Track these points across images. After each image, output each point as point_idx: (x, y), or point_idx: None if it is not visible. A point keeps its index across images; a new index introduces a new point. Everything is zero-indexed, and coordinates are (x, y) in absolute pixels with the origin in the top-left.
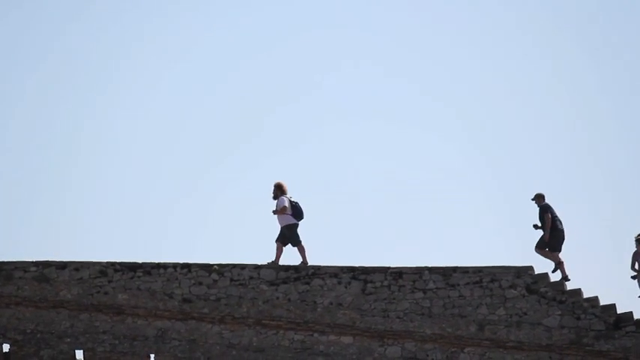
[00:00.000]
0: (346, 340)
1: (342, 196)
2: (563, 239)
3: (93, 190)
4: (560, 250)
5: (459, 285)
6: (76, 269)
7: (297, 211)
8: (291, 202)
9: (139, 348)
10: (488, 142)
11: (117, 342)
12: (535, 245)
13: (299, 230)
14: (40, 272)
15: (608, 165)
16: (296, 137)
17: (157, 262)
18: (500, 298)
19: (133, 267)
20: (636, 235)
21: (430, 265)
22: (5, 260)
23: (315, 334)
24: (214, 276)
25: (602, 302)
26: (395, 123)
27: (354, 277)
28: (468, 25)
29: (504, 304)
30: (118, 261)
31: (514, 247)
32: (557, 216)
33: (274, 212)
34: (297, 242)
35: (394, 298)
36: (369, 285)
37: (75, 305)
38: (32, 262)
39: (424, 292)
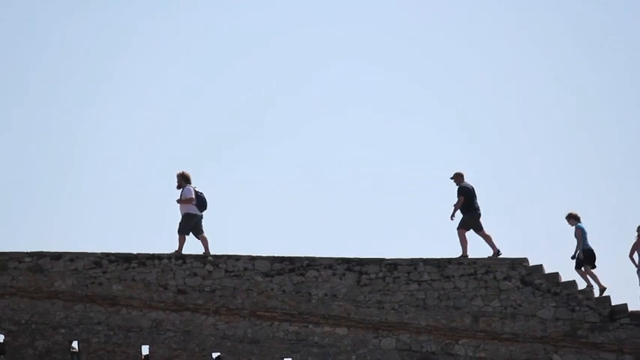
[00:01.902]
0: (341, 331)
1: (337, 187)
2: (479, 216)
3: (88, 181)
4: (482, 228)
5: (453, 277)
6: (71, 260)
7: (200, 202)
8: (196, 192)
9: (134, 339)
10: (483, 135)
11: (111, 333)
12: (457, 226)
13: (204, 221)
14: (35, 263)
15: (608, 158)
16: (291, 131)
17: (151, 253)
18: (494, 289)
19: (127, 258)
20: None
21: (425, 257)
22: (0, 251)
23: (310, 326)
24: (209, 267)
25: (597, 294)
26: (389, 116)
27: (348, 269)
28: (462, 18)
29: (499, 295)
30: (112, 252)
31: (509, 239)
32: (475, 196)
33: (178, 201)
34: (199, 232)
35: (389, 290)
36: (363, 276)
37: (69, 296)
38: (27, 252)
39: (419, 284)
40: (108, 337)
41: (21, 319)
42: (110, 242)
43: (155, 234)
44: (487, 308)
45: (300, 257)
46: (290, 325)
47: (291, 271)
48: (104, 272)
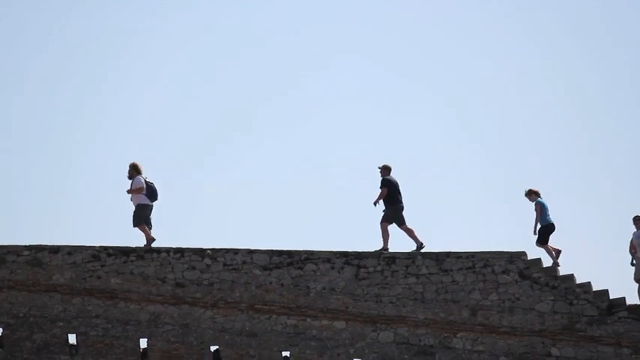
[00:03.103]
0: (339, 325)
1: (336, 181)
2: (402, 210)
3: (86, 175)
4: (404, 222)
5: (451, 270)
6: (69, 253)
7: (151, 192)
8: (146, 182)
9: (132, 332)
10: (480, 129)
11: (110, 326)
12: (380, 220)
13: (154, 210)
14: (33, 256)
15: (606, 155)
16: (287, 125)
17: (149, 246)
18: (493, 283)
19: (126, 251)
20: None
21: (423, 251)
22: None
23: (308, 319)
24: (207, 261)
25: (595, 288)
26: (385, 110)
27: (347, 262)
28: (462, 18)
29: (497, 289)
30: (111, 245)
31: (507, 232)
32: (399, 190)
33: (128, 192)
34: (147, 222)
35: (387, 283)
36: (362, 270)
37: (68, 289)
38: (25, 246)
39: (417, 278)
40: (106, 331)
41: (19, 312)
42: (108, 236)
43: (153, 227)
44: (485, 302)
45: (299, 251)
46: (288, 318)
47: (290, 264)
48: (102, 265)
